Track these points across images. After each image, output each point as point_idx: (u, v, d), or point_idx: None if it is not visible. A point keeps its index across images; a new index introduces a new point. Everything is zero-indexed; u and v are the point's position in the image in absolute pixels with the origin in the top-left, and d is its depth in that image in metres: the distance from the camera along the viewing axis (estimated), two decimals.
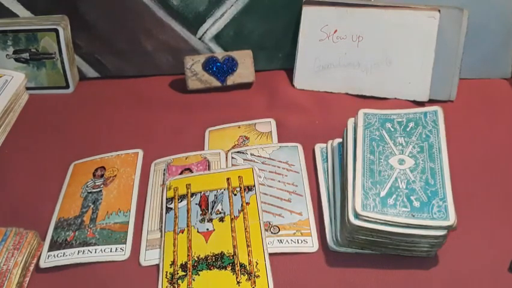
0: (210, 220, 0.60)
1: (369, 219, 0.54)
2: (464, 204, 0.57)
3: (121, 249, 0.61)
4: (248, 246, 0.57)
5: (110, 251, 0.60)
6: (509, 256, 0.58)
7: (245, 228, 0.59)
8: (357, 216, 0.54)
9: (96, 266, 0.59)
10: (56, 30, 0.84)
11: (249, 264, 0.56)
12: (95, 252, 0.60)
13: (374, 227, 0.54)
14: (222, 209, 0.61)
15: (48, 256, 0.60)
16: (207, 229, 0.60)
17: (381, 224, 0.54)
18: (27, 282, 0.58)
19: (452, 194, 0.55)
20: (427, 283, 0.56)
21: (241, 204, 0.61)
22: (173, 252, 0.58)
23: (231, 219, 0.60)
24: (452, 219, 0.53)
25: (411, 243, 0.55)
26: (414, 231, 0.54)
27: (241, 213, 0.61)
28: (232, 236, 0.58)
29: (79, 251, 0.60)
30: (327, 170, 0.67)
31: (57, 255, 0.60)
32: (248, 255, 0.57)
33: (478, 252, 0.59)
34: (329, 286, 0.56)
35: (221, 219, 0.60)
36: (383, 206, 0.55)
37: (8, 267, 0.57)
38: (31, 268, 0.60)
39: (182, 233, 0.60)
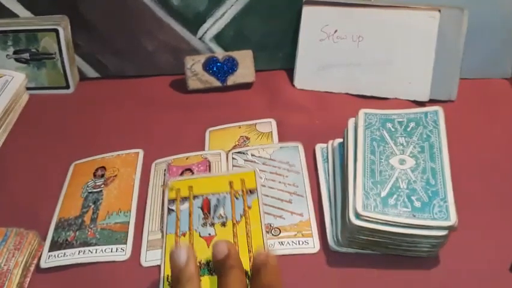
0: (212, 224, 0.60)
1: (370, 219, 0.54)
2: (465, 204, 0.57)
3: (121, 249, 0.61)
4: (250, 251, 0.57)
5: (111, 251, 0.60)
6: (510, 256, 0.58)
7: (247, 233, 0.59)
8: (358, 216, 0.54)
9: (97, 266, 0.59)
10: (56, 31, 0.84)
11: (250, 270, 0.55)
12: (96, 252, 0.60)
13: (374, 227, 0.54)
14: (224, 214, 0.61)
15: (49, 256, 0.60)
16: (209, 234, 0.59)
17: (382, 224, 0.54)
18: (27, 282, 0.58)
19: (453, 194, 0.55)
20: (427, 283, 0.56)
21: (243, 209, 0.61)
22: None
23: (233, 224, 0.60)
24: (453, 220, 0.53)
25: (412, 244, 0.55)
26: (415, 231, 0.53)
27: (243, 217, 0.60)
28: (234, 241, 0.58)
29: (79, 251, 0.60)
30: (328, 170, 0.67)
31: (58, 256, 0.60)
32: (250, 260, 0.56)
33: (479, 252, 0.59)
34: (329, 286, 0.56)
35: (223, 224, 0.60)
36: (384, 206, 0.55)
37: (8, 267, 0.57)
38: (32, 268, 0.60)
39: (184, 236, 0.60)
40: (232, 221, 0.60)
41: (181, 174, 0.69)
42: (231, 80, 0.85)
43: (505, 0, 0.81)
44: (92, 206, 0.66)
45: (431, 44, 0.79)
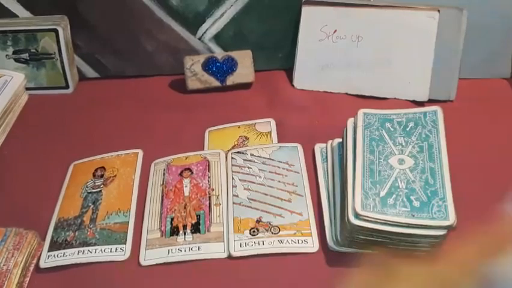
0: None
1: (369, 219, 0.54)
2: (464, 204, 0.57)
3: (121, 249, 0.61)
4: None
5: (110, 251, 0.60)
6: None
7: None
8: (357, 216, 0.54)
9: (96, 266, 0.59)
10: (55, 31, 0.84)
11: None
12: (95, 252, 0.60)
13: (374, 227, 0.54)
14: None
15: (49, 256, 0.60)
16: None
17: (381, 223, 0.54)
18: (27, 282, 0.58)
19: (452, 194, 0.55)
20: None
21: None
22: None
23: None
24: (451, 219, 0.53)
25: (411, 243, 0.55)
26: (414, 231, 0.54)
27: None
28: None
29: (78, 251, 0.61)
30: (327, 170, 0.67)
31: (57, 256, 0.60)
32: None
33: None
34: (329, 286, 0.56)
35: None
36: (383, 205, 0.55)
37: (8, 267, 0.57)
38: (31, 268, 0.60)
39: None
40: None
41: (180, 173, 0.69)
42: (230, 80, 0.85)
43: (505, 0, 0.81)
44: (92, 206, 0.66)
45: (430, 44, 0.79)
